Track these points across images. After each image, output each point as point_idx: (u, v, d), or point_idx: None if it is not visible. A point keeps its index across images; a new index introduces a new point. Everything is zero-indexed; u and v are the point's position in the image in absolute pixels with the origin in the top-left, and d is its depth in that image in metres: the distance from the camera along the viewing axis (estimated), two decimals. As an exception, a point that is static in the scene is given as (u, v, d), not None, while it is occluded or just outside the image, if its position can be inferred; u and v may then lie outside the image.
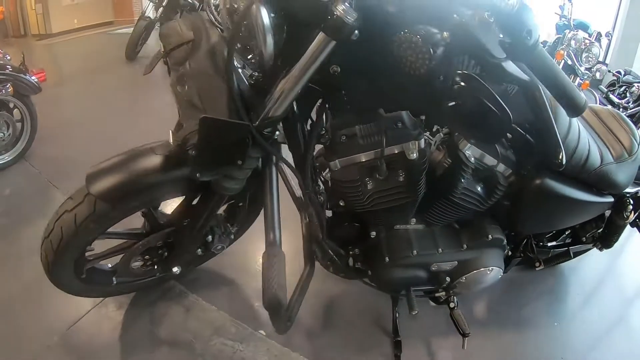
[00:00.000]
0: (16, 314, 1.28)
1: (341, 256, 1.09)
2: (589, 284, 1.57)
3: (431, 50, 0.65)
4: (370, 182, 0.92)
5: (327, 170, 0.98)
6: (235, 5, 0.77)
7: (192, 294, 1.40)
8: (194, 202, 1.10)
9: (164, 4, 3.36)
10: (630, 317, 1.44)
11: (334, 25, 0.67)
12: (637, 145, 1.15)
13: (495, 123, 0.72)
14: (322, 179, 1.05)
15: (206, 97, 0.78)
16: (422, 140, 0.88)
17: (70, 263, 1.03)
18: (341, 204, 1.02)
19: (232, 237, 1.30)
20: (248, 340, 1.27)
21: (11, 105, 2.04)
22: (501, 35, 0.63)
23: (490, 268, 1.08)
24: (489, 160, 0.94)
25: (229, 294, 1.43)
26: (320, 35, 0.69)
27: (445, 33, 0.64)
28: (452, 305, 1.13)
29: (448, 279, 1.09)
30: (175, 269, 1.19)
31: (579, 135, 1.04)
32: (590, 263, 1.61)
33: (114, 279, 1.19)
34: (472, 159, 0.92)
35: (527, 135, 0.94)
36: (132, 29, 3.61)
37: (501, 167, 0.95)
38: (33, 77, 2.05)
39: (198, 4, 2.85)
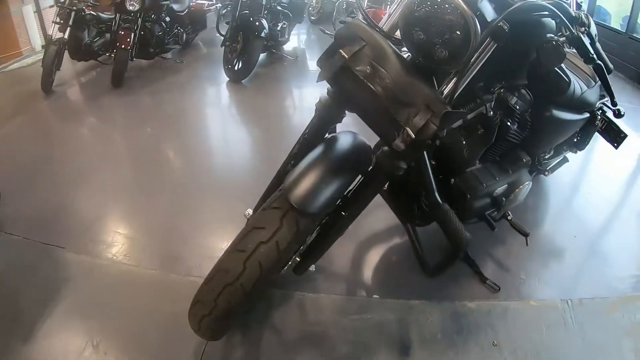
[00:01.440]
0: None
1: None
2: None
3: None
4: (467, 139, 1.23)
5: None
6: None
7: (295, 292, 1.48)
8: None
9: (70, 23, 2.99)
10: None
11: (499, 33, 0.89)
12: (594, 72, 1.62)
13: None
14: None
15: (407, 91, 0.90)
16: (492, 102, 1.17)
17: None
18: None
19: None
20: (369, 307, 1.44)
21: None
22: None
23: (527, 182, 1.48)
24: (523, 106, 1.28)
25: (324, 278, 1.55)
26: (487, 40, 0.90)
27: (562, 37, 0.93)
28: (509, 217, 1.52)
29: (504, 199, 1.42)
30: None
31: (569, 75, 1.43)
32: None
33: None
34: (517, 106, 1.24)
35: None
36: (27, 60, 3.10)
37: (527, 109, 1.31)
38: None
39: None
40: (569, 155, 1.93)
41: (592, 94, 1.59)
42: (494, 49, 0.92)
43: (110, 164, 2.36)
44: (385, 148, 0.98)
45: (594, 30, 0.97)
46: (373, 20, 1.03)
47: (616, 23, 5.09)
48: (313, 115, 1.16)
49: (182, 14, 4.03)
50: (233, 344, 1.30)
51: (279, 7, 3.87)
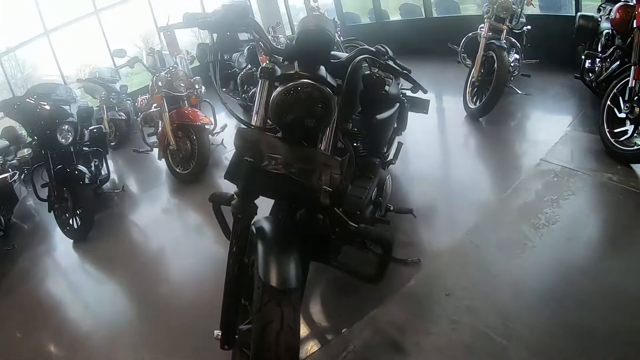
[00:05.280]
0: None
1: None
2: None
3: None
4: None
5: None
6: None
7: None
8: None
9: None
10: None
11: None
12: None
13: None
14: None
15: (304, 161, 1.15)
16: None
17: None
18: None
19: None
20: (349, 340, 1.57)
21: None
22: None
23: (387, 177, 1.91)
24: (358, 126, 1.68)
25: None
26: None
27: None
28: (391, 208, 1.97)
29: (380, 198, 1.82)
30: None
31: None
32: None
33: None
34: (355, 129, 1.65)
35: None
36: None
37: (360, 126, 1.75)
38: None
39: None
40: (400, 139, 2.48)
41: (394, 88, 2.14)
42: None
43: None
44: (303, 211, 1.23)
45: (389, 51, 1.40)
46: (248, 122, 1.27)
47: (365, 18, 6.95)
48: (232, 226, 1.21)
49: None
50: None
51: (85, 148, 3.64)
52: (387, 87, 1.62)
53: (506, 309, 1.58)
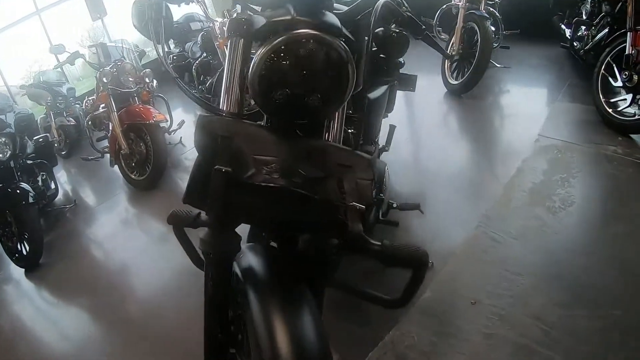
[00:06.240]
0: None
1: None
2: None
3: None
4: None
5: None
6: None
7: None
8: None
9: None
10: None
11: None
12: None
13: None
14: None
15: (312, 163, 0.77)
16: None
17: None
18: None
19: None
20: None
21: None
22: None
23: (385, 167, 1.65)
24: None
25: None
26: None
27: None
28: (394, 205, 1.68)
29: (381, 194, 1.53)
30: None
31: None
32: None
33: None
34: (350, 111, 1.33)
35: None
36: None
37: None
38: None
39: None
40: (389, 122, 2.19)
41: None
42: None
43: None
44: (307, 236, 0.80)
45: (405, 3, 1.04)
46: (215, 106, 0.83)
47: None
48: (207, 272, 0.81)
49: None
50: None
51: (28, 162, 3.18)
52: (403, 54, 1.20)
53: (543, 313, 1.34)
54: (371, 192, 0.73)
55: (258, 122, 0.83)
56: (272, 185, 0.72)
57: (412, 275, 0.90)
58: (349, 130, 1.34)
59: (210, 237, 0.75)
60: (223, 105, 0.81)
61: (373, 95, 1.56)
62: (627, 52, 2.19)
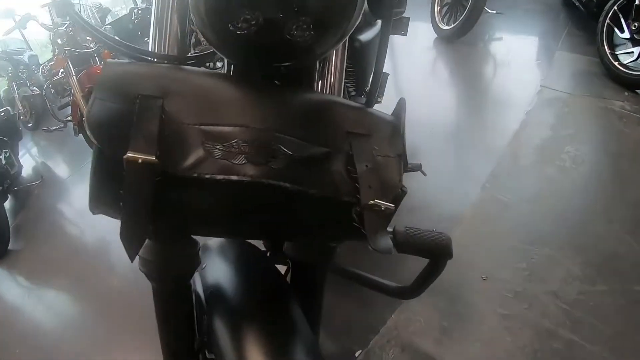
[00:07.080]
0: None
1: None
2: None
3: None
4: None
5: None
6: None
7: None
8: None
9: None
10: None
11: None
12: None
13: None
14: None
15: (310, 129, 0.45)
16: None
17: None
18: None
19: None
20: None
21: None
22: None
23: None
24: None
25: None
26: None
27: None
28: None
29: None
30: None
31: None
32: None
33: None
34: None
35: None
36: None
37: None
38: None
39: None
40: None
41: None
42: None
43: None
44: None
45: None
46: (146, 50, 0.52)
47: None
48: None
49: None
50: None
51: None
52: None
53: (562, 289, 1.17)
54: (401, 176, 0.44)
55: (211, 69, 0.53)
56: (234, 178, 0.39)
57: (430, 264, 0.63)
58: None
59: (153, 255, 0.46)
60: (153, 47, 0.52)
61: (364, 38, 1.29)
62: (637, 2, 1.98)
